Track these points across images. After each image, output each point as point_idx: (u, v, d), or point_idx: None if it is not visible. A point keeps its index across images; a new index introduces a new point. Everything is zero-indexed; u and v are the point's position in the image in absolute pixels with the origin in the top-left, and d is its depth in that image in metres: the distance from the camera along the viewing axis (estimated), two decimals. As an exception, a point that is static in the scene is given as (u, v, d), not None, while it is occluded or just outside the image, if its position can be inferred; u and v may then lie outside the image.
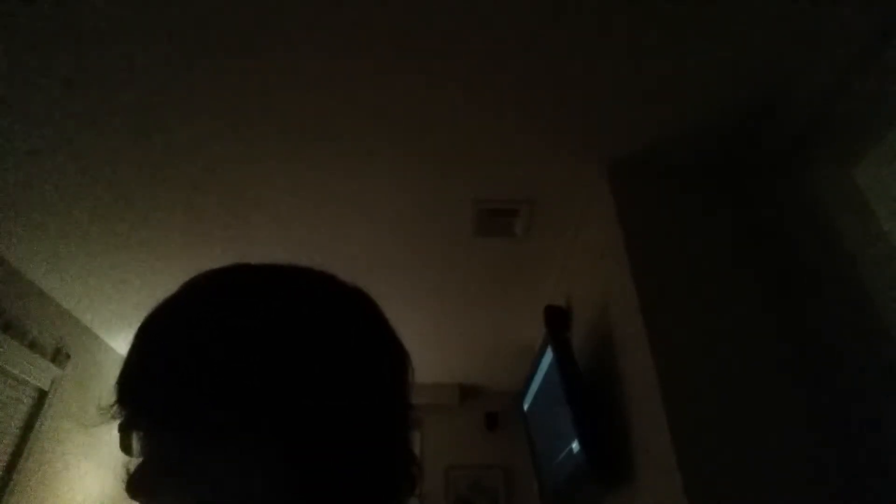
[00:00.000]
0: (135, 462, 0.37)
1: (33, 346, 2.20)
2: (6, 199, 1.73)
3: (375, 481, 0.39)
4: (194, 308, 0.40)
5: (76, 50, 1.23)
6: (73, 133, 1.47)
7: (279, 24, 1.18)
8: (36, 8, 1.13)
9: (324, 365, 0.38)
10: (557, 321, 1.89)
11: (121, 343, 2.81)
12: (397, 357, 0.45)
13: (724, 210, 1.50)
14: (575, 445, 1.50)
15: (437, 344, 2.90)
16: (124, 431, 0.38)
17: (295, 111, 1.42)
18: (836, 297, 1.25)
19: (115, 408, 0.38)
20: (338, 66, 1.29)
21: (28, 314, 2.19)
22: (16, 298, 2.12)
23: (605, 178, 1.58)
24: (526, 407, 2.26)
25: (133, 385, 0.38)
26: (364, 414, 0.39)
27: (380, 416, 0.40)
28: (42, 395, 2.28)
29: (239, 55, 1.26)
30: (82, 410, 2.60)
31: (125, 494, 0.36)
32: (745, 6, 1.14)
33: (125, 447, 0.37)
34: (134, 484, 0.36)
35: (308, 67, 1.29)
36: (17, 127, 1.45)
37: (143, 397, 0.37)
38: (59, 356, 2.37)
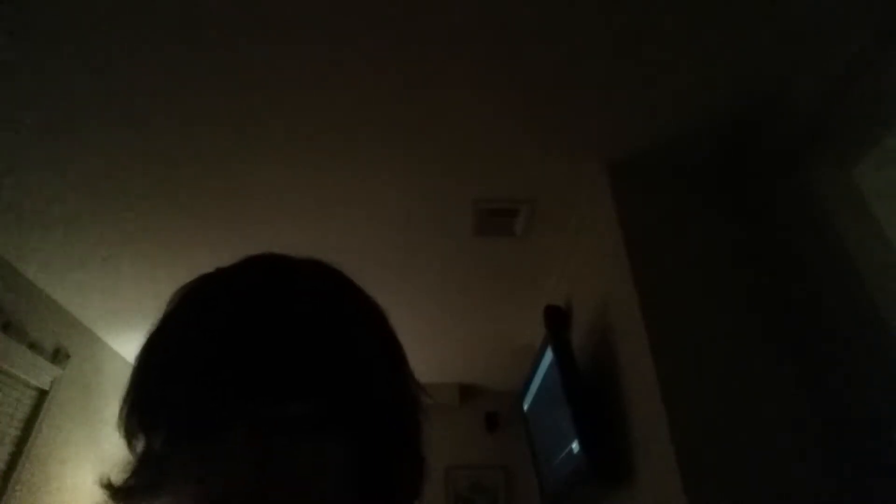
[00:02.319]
0: (123, 467, 0.33)
1: (33, 346, 2.20)
2: (5, 199, 1.73)
3: (415, 472, 0.38)
4: (222, 301, 0.38)
5: (76, 49, 1.23)
6: (72, 134, 1.47)
7: (281, 23, 1.18)
8: (36, 3, 1.13)
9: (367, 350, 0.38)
10: (557, 321, 1.89)
11: (121, 343, 2.81)
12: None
13: (723, 210, 1.50)
14: (575, 445, 1.50)
15: (437, 344, 2.90)
16: (143, 431, 0.34)
17: (295, 111, 1.42)
18: (836, 297, 1.25)
19: (131, 408, 0.34)
20: (338, 67, 1.29)
21: (28, 314, 2.19)
22: (16, 298, 2.12)
23: (605, 178, 1.58)
24: (526, 407, 2.26)
25: (155, 383, 0.35)
26: (404, 404, 0.39)
27: (410, 404, 0.40)
28: (42, 395, 2.28)
29: (240, 54, 1.26)
30: (82, 410, 2.60)
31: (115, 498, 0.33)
32: (745, 6, 1.14)
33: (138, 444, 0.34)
34: (139, 486, 0.33)
35: (308, 68, 1.29)
36: (15, 126, 1.45)
37: (163, 396, 0.34)
38: (59, 356, 2.37)
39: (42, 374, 2.26)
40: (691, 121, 1.44)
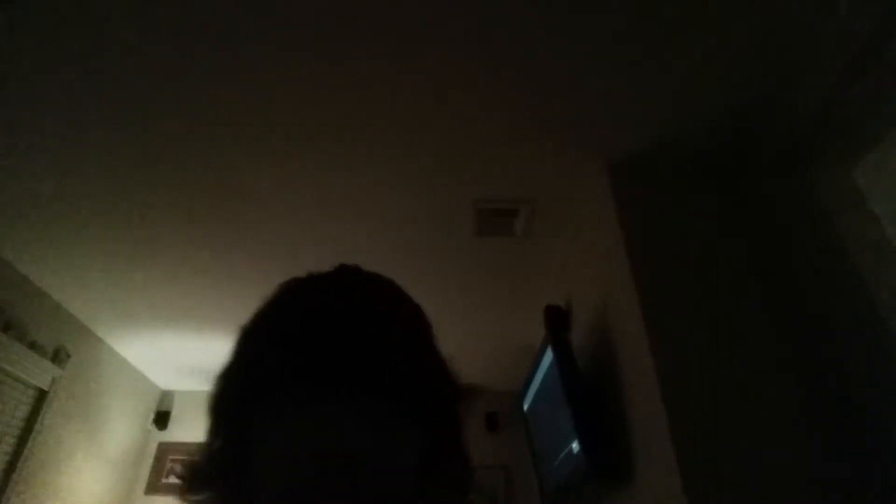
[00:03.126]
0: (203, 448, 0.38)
1: (33, 345, 2.20)
2: (6, 200, 1.73)
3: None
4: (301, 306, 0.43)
5: (76, 49, 1.23)
6: (72, 133, 1.47)
7: (280, 24, 1.19)
8: (37, 4, 1.13)
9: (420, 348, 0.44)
10: (557, 321, 1.89)
11: (121, 343, 2.81)
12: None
13: (723, 210, 1.50)
14: (575, 446, 1.49)
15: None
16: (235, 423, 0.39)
17: (295, 112, 1.42)
18: (836, 297, 1.25)
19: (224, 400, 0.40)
20: (338, 67, 1.29)
21: (28, 314, 2.19)
22: (16, 298, 2.12)
23: (606, 178, 1.58)
24: (526, 407, 2.26)
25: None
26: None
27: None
28: (42, 395, 2.29)
29: (240, 55, 1.26)
30: (82, 410, 2.60)
31: (187, 486, 0.37)
32: (745, 6, 1.14)
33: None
34: (212, 472, 0.37)
35: (309, 68, 1.29)
36: (16, 126, 1.45)
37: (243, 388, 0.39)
38: (59, 356, 2.37)
39: (42, 373, 2.26)
40: (691, 121, 1.44)
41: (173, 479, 3.27)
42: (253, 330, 0.42)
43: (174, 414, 3.44)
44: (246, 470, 0.36)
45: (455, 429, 0.44)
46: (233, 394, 0.40)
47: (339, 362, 0.36)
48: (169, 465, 3.31)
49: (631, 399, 1.36)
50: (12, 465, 2.11)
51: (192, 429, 3.43)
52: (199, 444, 0.39)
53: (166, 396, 3.48)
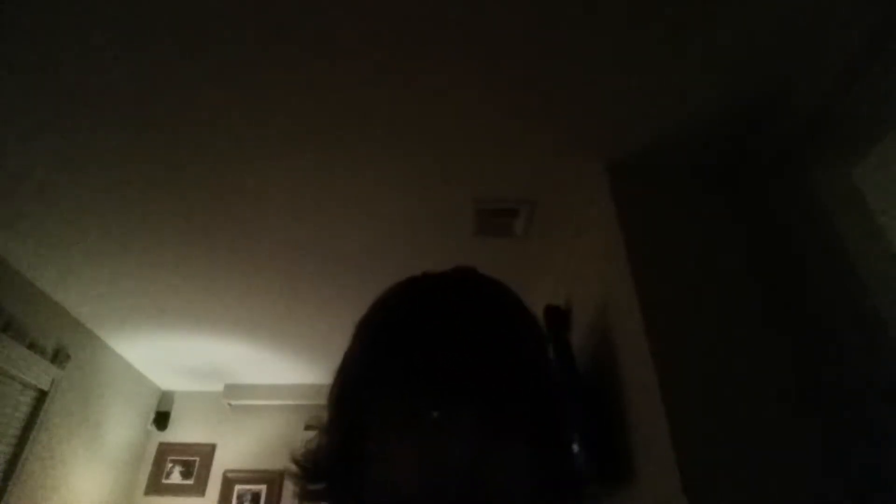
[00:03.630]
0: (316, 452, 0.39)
1: (33, 346, 2.20)
2: (5, 200, 1.73)
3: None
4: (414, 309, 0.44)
5: (75, 48, 1.23)
6: (72, 134, 1.47)
7: (281, 24, 1.19)
8: (37, 3, 1.13)
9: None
10: (557, 321, 1.89)
11: (121, 343, 2.81)
12: None
13: (723, 210, 1.50)
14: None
15: (437, 344, 2.89)
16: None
17: (295, 111, 1.42)
18: (836, 298, 1.25)
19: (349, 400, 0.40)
20: (339, 68, 1.29)
21: (28, 314, 2.19)
22: (16, 298, 2.12)
23: (606, 178, 1.58)
24: (526, 407, 2.26)
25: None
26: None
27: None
28: (42, 395, 2.28)
29: (241, 55, 1.26)
30: (82, 410, 2.60)
31: (302, 480, 0.37)
32: (744, 6, 1.14)
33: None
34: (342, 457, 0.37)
35: (310, 68, 1.29)
36: (14, 127, 1.45)
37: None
38: (59, 356, 2.37)
39: (42, 374, 2.26)
40: (691, 121, 1.44)
41: (173, 480, 3.27)
42: (372, 328, 0.42)
43: (174, 414, 3.44)
44: (361, 470, 0.36)
45: (565, 438, 0.44)
46: (351, 390, 0.40)
47: (458, 369, 0.36)
48: (169, 465, 3.31)
49: (631, 399, 1.36)
50: (12, 466, 2.11)
51: (192, 429, 3.43)
52: (318, 434, 0.39)
53: (166, 397, 3.48)
